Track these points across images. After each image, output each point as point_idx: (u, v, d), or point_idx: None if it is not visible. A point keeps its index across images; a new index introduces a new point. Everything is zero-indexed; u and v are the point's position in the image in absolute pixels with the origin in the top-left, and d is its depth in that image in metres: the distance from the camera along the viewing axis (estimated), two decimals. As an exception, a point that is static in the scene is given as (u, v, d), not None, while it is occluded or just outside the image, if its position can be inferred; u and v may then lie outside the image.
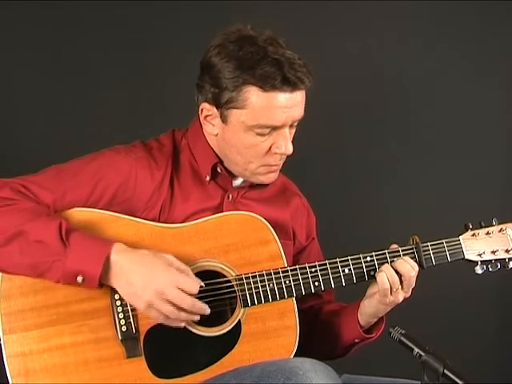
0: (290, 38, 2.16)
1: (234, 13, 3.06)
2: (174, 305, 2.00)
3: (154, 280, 2.00)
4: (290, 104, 2.12)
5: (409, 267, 2.14)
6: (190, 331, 2.07)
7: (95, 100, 3.20)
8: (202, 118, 2.21)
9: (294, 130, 2.20)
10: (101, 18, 3.18)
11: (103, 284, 2.02)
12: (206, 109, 2.18)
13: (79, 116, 3.18)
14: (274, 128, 2.14)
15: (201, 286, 2.04)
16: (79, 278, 1.99)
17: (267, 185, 2.29)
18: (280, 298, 2.13)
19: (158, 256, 2.03)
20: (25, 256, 2.00)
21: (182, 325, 2.04)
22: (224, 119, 2.16)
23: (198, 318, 2.04)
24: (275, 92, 2.10)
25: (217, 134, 2.20)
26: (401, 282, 2.14)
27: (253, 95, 2.10)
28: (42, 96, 3.16)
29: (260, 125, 2.12)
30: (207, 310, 2.04)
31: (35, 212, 2.03)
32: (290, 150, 2.17)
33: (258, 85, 2.09)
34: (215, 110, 2.16)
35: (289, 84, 2.10)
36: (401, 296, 2.15)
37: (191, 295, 2.01)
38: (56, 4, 3.12)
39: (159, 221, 2.15)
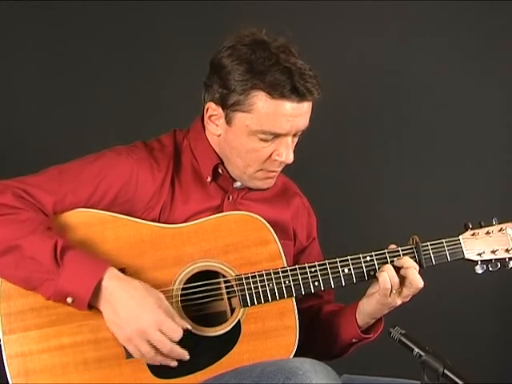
0: (289, 38, 2.15)
1: (234, 13, 3.06)
2: (152, 346, 1.99)
3: (139, 318, 1.98)
4: (295, 113, 2.12)
5: (412, 262, 2.14)
6: (190, 331, 2.06)
7: (95, 100, 3.20)
8: (206, 117, 2.21)
9: (296, 139, 2.20)
10: (101, 17, 3.18)
11: (92, 306, 2.01)
12: (212, 108, 2.18)
13: (79, 116, 3.18)
14: (277, 135, 2.14)
15: (187, 329, 2.01)
16: (69, 299, 1.98)
17: (267, 185, 2.28)
18: (280, 298, 2.13)
19: (150, 292, 2.01)
20: (19, 270, 1.99)
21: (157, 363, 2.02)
22: (228, 121, 2.15)
23: (175, 363, 2.01)
24: (283, 100, 2.10)
25: (219, 135, 2.20)
26: (401, 284, 2.14)
27: (260, 100, 2.10)
28: (42, 96, 3.16)
29: (264, 131, 2.12)
30: (186, 357, 2.01)
31: (34, 224, 2.01)
32: (290, 159, 2.17)
33: (266, 91, 2.09)
34: (221, 110, 2.16)
35: (297, 94, 2.09)
36: (399, 300, 2.15)
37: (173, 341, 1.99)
38: (56, 4, 3.12)
39: (159, 222, 2.14)
